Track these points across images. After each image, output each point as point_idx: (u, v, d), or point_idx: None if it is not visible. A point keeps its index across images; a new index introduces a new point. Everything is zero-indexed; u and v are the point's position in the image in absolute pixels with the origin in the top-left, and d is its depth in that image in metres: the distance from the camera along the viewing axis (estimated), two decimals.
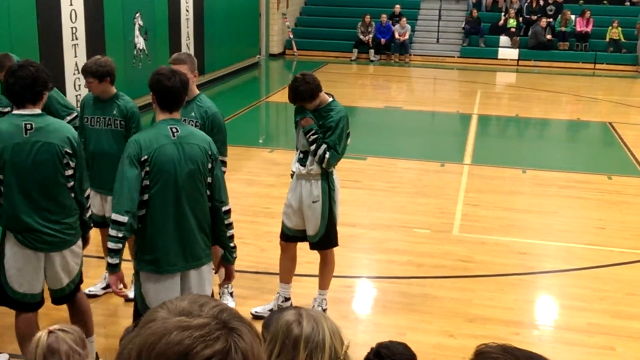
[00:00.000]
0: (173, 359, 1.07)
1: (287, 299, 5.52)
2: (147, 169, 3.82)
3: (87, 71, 5.24)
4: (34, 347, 2.75)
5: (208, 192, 4.03)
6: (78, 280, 4.44)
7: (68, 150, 4.10)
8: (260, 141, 12.01)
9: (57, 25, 10.11)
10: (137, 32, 12.47)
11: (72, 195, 4.23)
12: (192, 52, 14.58)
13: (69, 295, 4.42)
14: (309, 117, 5.07)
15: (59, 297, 4.41)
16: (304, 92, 5.00)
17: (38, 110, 4.09)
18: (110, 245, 3.90)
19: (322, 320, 2.08)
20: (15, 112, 4.09)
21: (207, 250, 4.10)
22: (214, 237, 4.18)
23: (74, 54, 10.51)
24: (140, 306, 4.06)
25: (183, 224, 3.93)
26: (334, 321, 2.15)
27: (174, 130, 3.89)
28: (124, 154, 3.89)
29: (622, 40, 19.66)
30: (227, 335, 1.12)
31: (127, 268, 5.55)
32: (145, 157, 3.82)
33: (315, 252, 5.43)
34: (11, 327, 4.79)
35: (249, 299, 5.60)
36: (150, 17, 12.87)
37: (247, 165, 9.37)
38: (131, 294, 5.64)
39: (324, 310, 5.37)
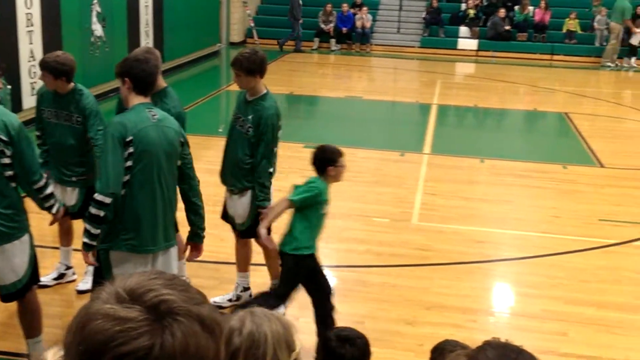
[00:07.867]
0: (94, 347, 1.03)
1: (246, 289, 5.52)
2: (131, 150, 3.84)
3: (44, 66, 5.15)
4: None
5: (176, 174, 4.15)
6: (27, 280, 4.22)
7: (3, 138, 3.89)
8: (220, 130, 11.88)
9: (11, 11, 9.88)
10: (94, 19, 12.26)
11: (13, 185, 4.03)
12: (151, 40, 14.42)
13: (17, 294, 4.23)
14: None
15: (4, 295, 4.22)
16: (255, 60, 5.04)
17: None
18: (89, 227, 3.91)
19: (266, 327, 1.91)
20: None
21: (174, 232, 4.26)
22: (188, 217, 4.35)
23: (29, 41, 10.30)
24: None
25: (164, 204, 4.03)
26: (287, 323, 2.00)
27: (152, 113, 3.96)
28: (107, 136, 3.91)
29: (579, 31, 19.99)
30: (155, 332, 1.03)
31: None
32: (130, 137, 3.84)
33: None
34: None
35: (209, 289, 5.57)
36: (108, 3, 12.65)
37: (207, 155, 9.29)
38: (83, 286, 5.57)
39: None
